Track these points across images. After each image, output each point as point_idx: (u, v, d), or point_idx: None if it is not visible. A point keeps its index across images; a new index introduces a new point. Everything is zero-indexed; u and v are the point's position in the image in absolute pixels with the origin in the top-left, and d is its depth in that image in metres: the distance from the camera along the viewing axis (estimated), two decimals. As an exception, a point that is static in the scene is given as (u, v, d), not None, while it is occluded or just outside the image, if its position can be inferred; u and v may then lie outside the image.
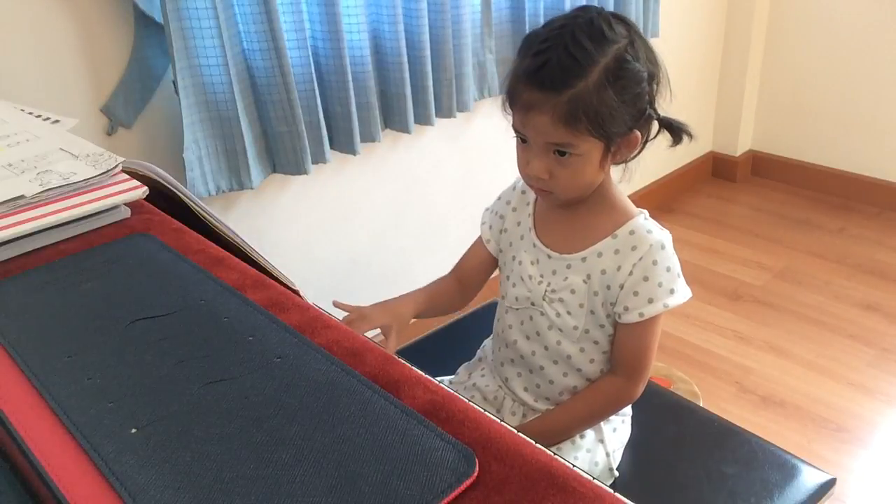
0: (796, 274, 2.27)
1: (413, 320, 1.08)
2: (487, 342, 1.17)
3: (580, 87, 0.84)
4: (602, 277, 0.95)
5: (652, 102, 0.91)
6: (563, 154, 0.88)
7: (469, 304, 1.16)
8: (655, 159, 2.53)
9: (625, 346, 0.98)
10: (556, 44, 0.85)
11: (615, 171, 0.97)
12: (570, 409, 1.01)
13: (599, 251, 0.95)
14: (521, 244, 1.03)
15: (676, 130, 0.94)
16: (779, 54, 2.67)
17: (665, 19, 2.27)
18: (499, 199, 1.11)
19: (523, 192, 1.06)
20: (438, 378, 1.16)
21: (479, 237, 1.12)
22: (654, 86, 0.90)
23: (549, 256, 0.99)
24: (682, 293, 0.95)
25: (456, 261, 1.17)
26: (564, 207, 0.99)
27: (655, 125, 0.94)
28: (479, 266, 1.12)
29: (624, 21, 0.89)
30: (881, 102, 2.50)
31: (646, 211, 0.98)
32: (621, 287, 0.94)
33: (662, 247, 0.94)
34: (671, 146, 0.95)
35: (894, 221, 2.53)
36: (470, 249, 1.14)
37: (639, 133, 0.90)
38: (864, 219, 2.56)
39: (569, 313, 0.97)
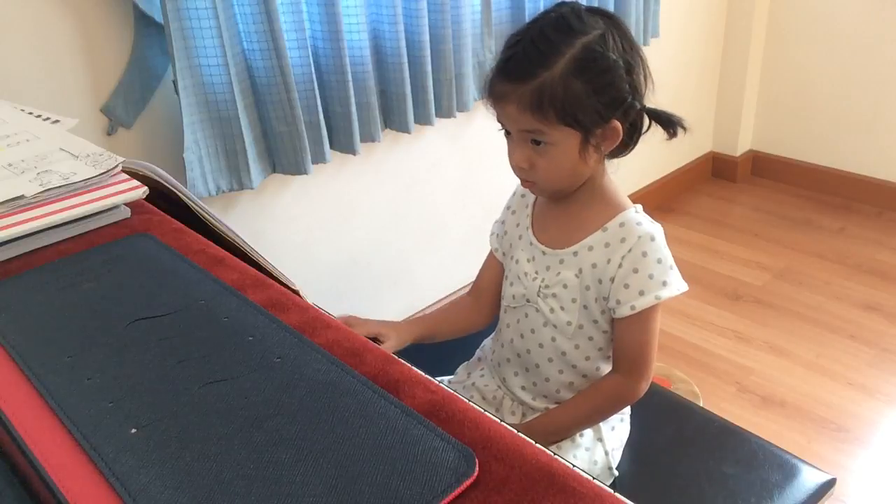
0: (796, 274, 2.27)
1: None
2: (487, 342, 1.17)
3: (545, 76, 0.86)
4: (593, 271, 0.95)
5: (634, 92, 0.91)
6: (537, 143, 0.90)
7: (490, 320, 1.14)
8: (655, 159, 2.55)
9: (623, 341, 0.98)
10: (524, 38, 0.89)
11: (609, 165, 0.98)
12: (574, 407, 1.01)
13: (590, 245, 0.96)
14: (519, 243, 1.04)
15: (666, 122, 0.95)
16: (779, 54, 2.67)
17: (665, 19, 2.27)
18: (504, 209, 1.12)
19: (522, 196, 1.07)
20: (438, 378, 1.16)
21: (491, 250, 1.12)
22: (635, 77, 0.91)
23: (544, 253, 1.00)
24: (676, 285, 0.94)
25: (456, 262, 1.17)
26: (560, 203, 0.99)
27: (646, 118, 0.94)
28: (492, 278, 1.11)
29: (602, 14, 0.91)
30: (881, 102, 2.50)
31: (639, 205, 0.98)
32: (612, 280, 0.94)
33: (652, 238, 0.94)
34: (667, 139, 0.95)
35: (894, 221, 2.53)
36: (484, 264, 1.14)
37: (618, 123, 0.90)
38: (864, 219, 2.56)
39: (562, 308, 0.98)
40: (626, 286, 0.93)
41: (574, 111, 0.87)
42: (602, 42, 0.88)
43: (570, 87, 0.86)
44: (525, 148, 0.92)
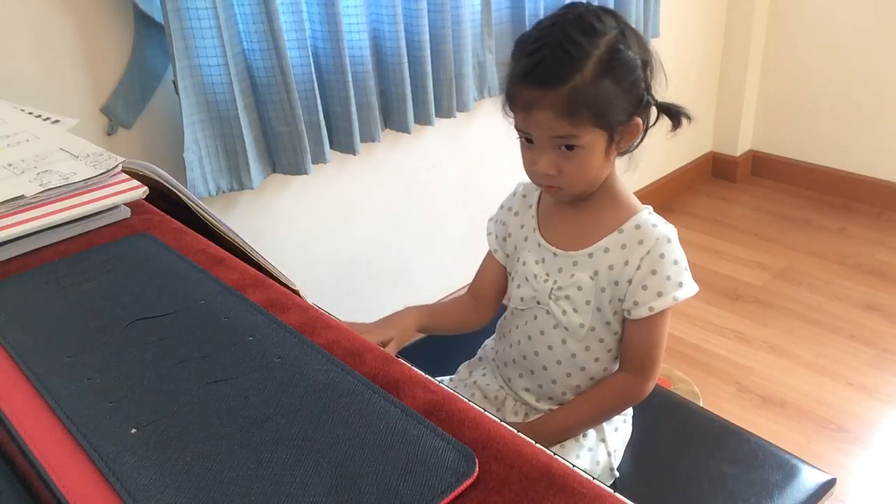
0: (796, 274, 2.27)
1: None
2: (488, 342, 1.16)
3: (577, 80, 0.85)
4: (609, 273, 0.95)
5: (648, 89, 0.92)
6: (570, 148, 0.89)
7: (488, 321, 1.14)
8: (655, 159, 2.54)
9: (634, 342, 0.98)
10: (549, 41, 0.87)
11: (621, 162, 0.98)
12: (580, 406, 1.01)
13: (606, 247, 0.95)
14: (526, 245, 1.03)
15: (675, 114, 0.95)
16: (779, 54, 2.67)
17: (665, 19, 2.27)
18: (500, 207, 1.11)
19: (524, 196, 1.06)
20: (438, 378, 1.15)
21: (489, 251, 1.11)
22: (649, 72, 0.91)
23: (555, 254, 0.99)
24: (690, 286, 0.95)
25: (456, 262, 1.16)
26: (570, 204, 0.99)
27: (654, 111, 0.95)
28: (492, 279, 1.10)
29: (612, 13, 0.91)
30: (881, 102, 2.50)
31: (650, 206, 0.98)
32: (629, 282, 0.94)
33: (669, 240, 0.94)
34: (671, 131, 0.95)
35: (894, 221, 2.53)
36: (482, 264, 1.13)
37: (639, 119, 0.91)
38: (864, 219, 2.56)
39: (575, 311, 0.97)
40: (644, 287, 0.93)
41: (606, 113, 0.87)
42: (623, 40, 0.88)
43: (601, 89, 0.86)
44: (552, 154, 0.90)
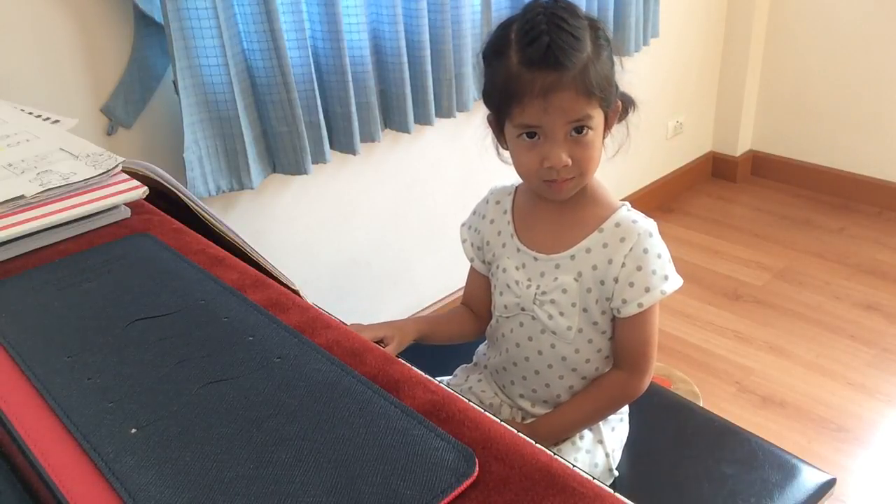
0: (796, 274, 2.27)
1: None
2: (481, 348, 1.15)
3: (584, 57, 0.86)
4: (594, 273, 0.95)
5: (614, 70, 0.93)
6: (580, 131, 0.88)
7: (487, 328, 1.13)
8: (655, 159, 2.55)
9: (627, 339, 0.98)
10: (547, 28, 0.86)
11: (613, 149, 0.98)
12: (577, 406, 1.01)
13: (587, 247, 0.95)
14: (504, 252, 1.02)
15: (628, 100, 0.96)
16: (779, 54, 2.67)
17: (665, 19, 2.27)
18: (473, 213, 1.09)
19: (497, 202, 1.05)
20: (437, 378, 1.15)
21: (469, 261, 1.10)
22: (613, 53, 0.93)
23: (536, 259, 0.98)
24: (675, 279, 0.94)
25: (456, 262, 1.16)
26: (548, 205, 0.98)
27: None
28: (479, 288, 1.09)
29: None
30: (881, 102, 2.50)
31: (627, 203, 0.98)
32: (616, 280, 0.93)
33: (650, 235, 0.94)
34: (619, 122, 0.96)
35: (894, 221, 2.53)
36: (467, 276, 1.12)
37: (619, 101, 0.93)
38: (864, 219, 2.56)
39: (561, 314, 0.97)
40: (631, 285, 0.93)
41: (607, 89, 0.89)
42: (597, 22, 0.90)
43: (601, 65, 0.88)
44: (566, 143, 0.88)
